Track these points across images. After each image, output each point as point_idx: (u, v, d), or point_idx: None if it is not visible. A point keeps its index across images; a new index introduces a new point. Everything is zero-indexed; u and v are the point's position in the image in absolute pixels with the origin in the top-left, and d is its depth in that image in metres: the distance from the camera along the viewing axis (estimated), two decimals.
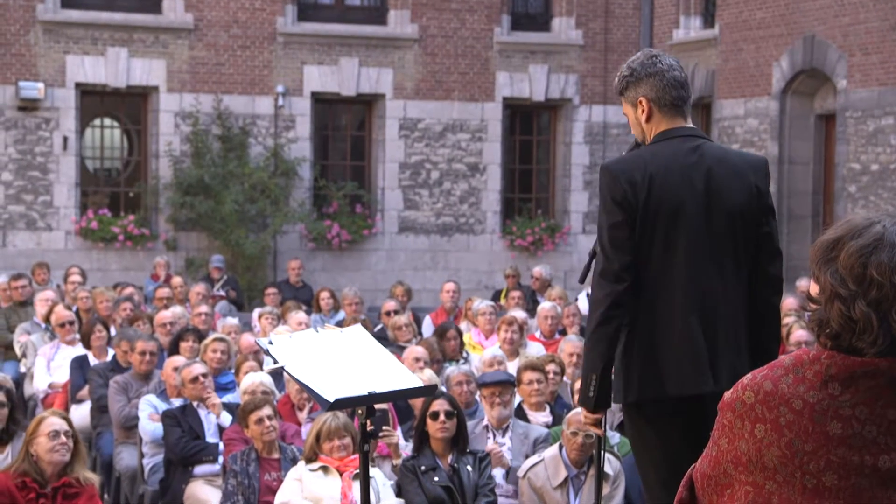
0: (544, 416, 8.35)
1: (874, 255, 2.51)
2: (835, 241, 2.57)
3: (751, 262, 4.56)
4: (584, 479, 7.01)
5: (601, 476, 5.30)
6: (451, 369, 8.81)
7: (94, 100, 18.32)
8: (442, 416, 7.02)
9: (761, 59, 17.47)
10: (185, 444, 7.98)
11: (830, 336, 2.55)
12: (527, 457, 7.43)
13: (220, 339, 9.46)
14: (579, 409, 7.34)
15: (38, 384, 10.46)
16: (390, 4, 19.07)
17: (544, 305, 11.87)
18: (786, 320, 10.18)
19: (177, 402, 8.43)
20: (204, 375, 8.28)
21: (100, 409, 9.39)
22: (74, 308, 11.97)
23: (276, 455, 7.28)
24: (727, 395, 2.66)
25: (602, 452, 5.06)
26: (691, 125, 4.62)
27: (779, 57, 17.14)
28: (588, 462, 7.00)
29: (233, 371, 9.32)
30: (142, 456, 8.55)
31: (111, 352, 10.10)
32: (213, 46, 18.24)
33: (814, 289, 2.61)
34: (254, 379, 8.16)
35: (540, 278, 15.95)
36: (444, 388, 8.13)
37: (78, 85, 17.80)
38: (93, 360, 10.06)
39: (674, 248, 4.41)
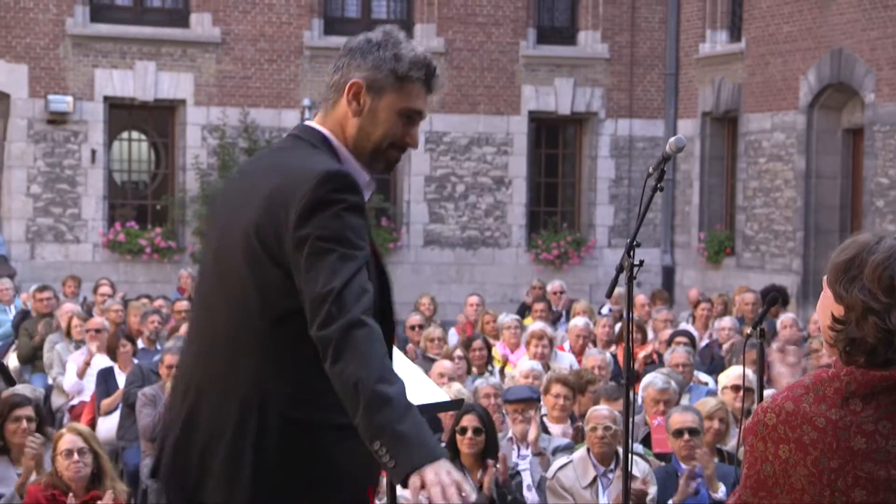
0: (564, 429, 8.36)
1: None
2: (851, 260, 2.61)
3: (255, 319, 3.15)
4: (611, 479, 7.02)
5: (628, 477, 5.31)
6: (480, 381, 8.83)
7: (122, 113, 18.43)
8: (469, 433, 7.03)
9: (788, 73, 17.42)
10: None
11: (866, 352, 2.56)
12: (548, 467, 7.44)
13: None
14: (598, 406, 7.38)
15: (68, 386, 10.52)
16: (416, 18, 19.12)
17: (577, 323, 11.81)
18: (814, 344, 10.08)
19: None
20: None
21: (130, 408, 9.35)
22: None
23: None
24: (748, 421, 2.67)
25: (629, 455, 5.08)
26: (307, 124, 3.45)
27: (806, 71, 17.09)
28: (615, 461, 7.02)
29: None
30: None
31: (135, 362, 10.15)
32: (240, 60, 18.33)
33: (837, 310, 2.61)
34: None
35: (559, 292, 15.75)
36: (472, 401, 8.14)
37: (106, 98, 17.91)
38: (118, 373, 10.09)
39: None
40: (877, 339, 2.54)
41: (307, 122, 3.39)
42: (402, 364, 4.66)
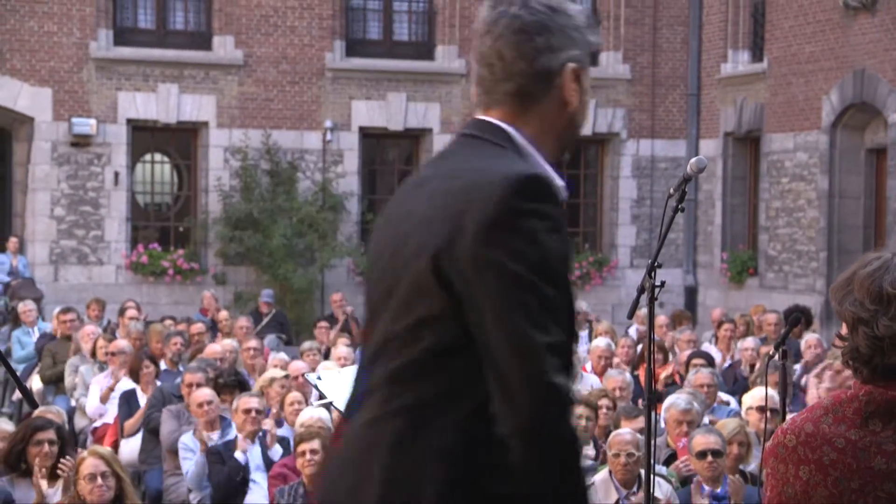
0: (589, 450, 8.33)
1: (887, 275, 2.59)
2: (849, 278, 2.66)
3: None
4: (633, 501, 6.98)
5: (651, 500, 5.28)
6: None
7: (144, 135, 18.53)
8: None
9: (810, 93, 17.38)
10: (225, 479, 7.99)
11: (863, 362, 2.58)
12: None
13: (287, 376, 9.68)
14: (621, 431, 7.35)
15: (90, 410, 10.54)
16: (438, 40, 19.16)
17: (598, 344, 11.78)
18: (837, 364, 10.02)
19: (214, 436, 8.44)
20: (258, 411, 8.31)
21: (151, 433, 9.39)
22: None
23: None
24: (768, 443, 2.68)
25: (651, 476, 5.05)
26: (482, 117, 2.79)
27: (828, 91, 17.05)
28: (637, 484, 6.98)
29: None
30: (189, 491, 8.57)
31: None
32: (262, 82, 18.40)
33: (843, 330, 2.66)
34: (310, 414, 8.20)
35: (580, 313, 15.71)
36: None
37: (129, 121, 18.01)
38: (141, 395, 10.12)
39: None
40: (868, 347, 2.57)
41: (482, 118, 2.73)
42: None
